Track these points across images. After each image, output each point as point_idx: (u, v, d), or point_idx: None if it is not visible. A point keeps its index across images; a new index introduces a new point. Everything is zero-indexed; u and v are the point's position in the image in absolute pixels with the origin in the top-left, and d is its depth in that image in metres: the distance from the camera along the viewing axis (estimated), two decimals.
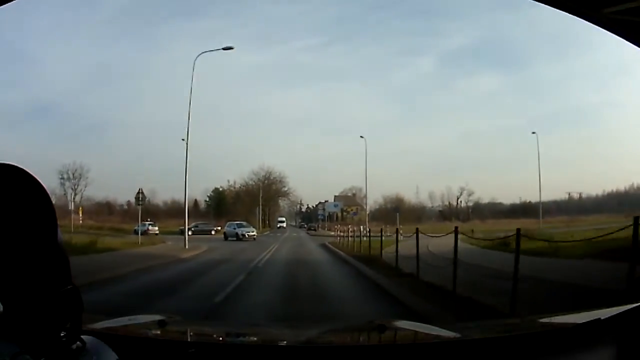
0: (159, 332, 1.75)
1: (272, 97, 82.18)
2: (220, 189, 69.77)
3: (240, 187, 69.73)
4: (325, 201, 48.28)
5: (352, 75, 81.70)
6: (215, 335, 2.01)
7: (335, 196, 71.83)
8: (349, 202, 75.95)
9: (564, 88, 73.88)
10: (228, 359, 1.36)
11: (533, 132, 44.98)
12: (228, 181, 70.39)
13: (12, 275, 0.78)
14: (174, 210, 57.89)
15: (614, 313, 1.59)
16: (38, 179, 0.83)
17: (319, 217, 47.02)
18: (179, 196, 68.54)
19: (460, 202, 74.15)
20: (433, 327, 2.02)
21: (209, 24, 77.10)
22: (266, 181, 71.44)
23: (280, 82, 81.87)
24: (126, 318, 2.05)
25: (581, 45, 73.79)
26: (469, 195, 71.47)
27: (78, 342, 0.93)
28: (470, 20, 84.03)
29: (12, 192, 0.79)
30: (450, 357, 1.46)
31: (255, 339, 1.96)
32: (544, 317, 2.33)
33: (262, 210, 65.88)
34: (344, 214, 73.78)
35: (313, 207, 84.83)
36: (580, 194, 65.20)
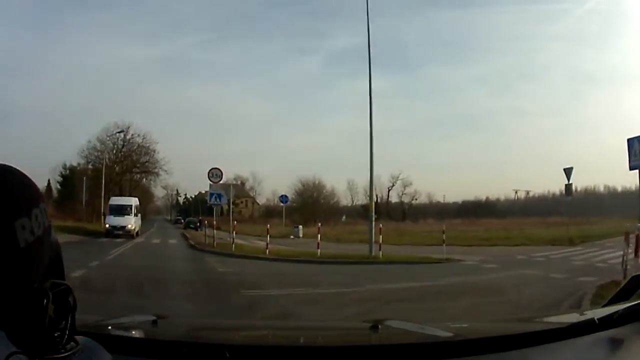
0: (153, 331, 1.89)
1: (159, 89, 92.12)
2: (78, 167, 54.52)
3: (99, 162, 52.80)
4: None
5: (240, 71, 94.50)
6: (209, 335, 2.17)
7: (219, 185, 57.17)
8: (238, 192, 70.54)
9: (462, 92, 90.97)
10: (222, 359, 1.42)
11: None
12: (87, 157, 54.58)
13: (6, 275, 0.83)
14: None
15: (609, 312, 1.70)
16: (30, 179, 0.91)
17: (217, 203, 25.74)
18: None
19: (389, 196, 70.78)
20: (427, 326, 2.07)
21: (104, 16, 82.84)
22: (123, 147, 55.37)
23: (169, 75, 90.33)
24: (120, 318, 2.17)
25: (482, 51, 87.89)
26: (405, 187, 69.48)
27: (72, 342, 1.00)
28: (362, 22, 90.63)
29: (4, 192, 0.84)
30: (445, 357, 1.55)
31: (249, 338, 2.11)
32: (540, 317, 2.54)
33: (108, 194, 47.10)
34: (233, 206, 62.80)
35: (192, 198, 79.46)
36: (527, 192, 71.90)
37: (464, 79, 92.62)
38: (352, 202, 69.99)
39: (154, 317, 1.97)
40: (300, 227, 32.62)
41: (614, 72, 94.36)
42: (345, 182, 69.40)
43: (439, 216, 53.06)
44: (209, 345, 1.59)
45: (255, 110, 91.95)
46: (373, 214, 21.12)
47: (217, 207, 26.62)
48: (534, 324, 2.18)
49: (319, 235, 20.41)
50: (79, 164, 52.83)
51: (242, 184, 70.89)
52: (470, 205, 68.88)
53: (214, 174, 24.97)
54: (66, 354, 0.96)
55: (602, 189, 68.25)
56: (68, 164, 52.87)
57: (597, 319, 1.65)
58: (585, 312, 2.04)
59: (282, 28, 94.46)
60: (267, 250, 20.23)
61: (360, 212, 57.17)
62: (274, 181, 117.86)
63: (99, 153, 51.61)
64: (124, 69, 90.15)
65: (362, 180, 61.08)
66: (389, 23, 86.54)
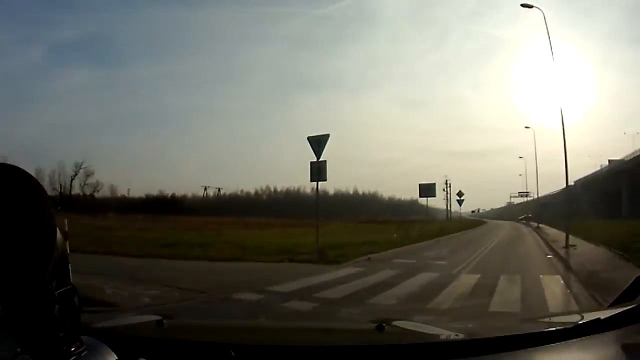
0: (158, 331, 1.92)
1: None
2: None
3: None
4: None
5: None
6: (214, 335, 2.15)
7: None
8: None
9: (159, 89, 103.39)
10: (227, 359, 1.45)
11: None
12: None
13: (11, 276, 0.85)
14: None
15: (614, 313, 1.74)
16: (37, 180, 0.90)
17: None
18: None
19: (73, 185, 68.43)
20: (432, 327, 2.13)
21: None
22: None
23: None
24: (125, 317, 2.26)
25: (193, 52, 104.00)
26: (88, 176, 66.82)
27: (77, 342, 1.02)
28: (86, 14, 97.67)
29: (10, 193, 0.86)
30: (451, 357, 1.59)
31: (254, 338, 2.12)
32: (544, 317, 2.63)
33: None
34: None
35: None
36: (219, 189, 79.62)
37: (165, 76, 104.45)
38: None
39: (160, 317, 2.02)
40: None
41: (327, 79, 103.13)
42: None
43: (121, 211, 52.41)
44: (215, 345, 1.63)
45: None
46: None
47: None
48: (539, 324, 2.22)
49: None
50: None
51: None
52: (154, 201, 69.40)
53: None
54: (71, 354, 0.97)
55: (309, 190, 72.18)
56: None
57: (603, 319, 1.68)
58: (590, 313, 1.99)
59: (8, 15, 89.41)
60: None
61: None
62: None
63: None
64: None
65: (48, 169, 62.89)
66: (109, 17, 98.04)
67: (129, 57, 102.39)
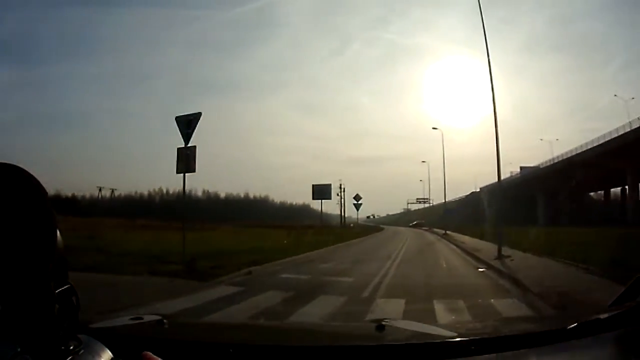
0: (157, 331, 1.91)
1: None
2: None
3: None
4: None
5: None
6: (214, 334, 2.23)
7: None
8: None
9: (63, 89, 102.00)
10: (227, 358, 1.51)
11: None
12: None
13: (11, 276, 0.86)
14: None
15: (614, 313, 1.74)
16: (37, 179, 0.92)
17: None
18: None
19: None
20: (432, 326, 2.10)
21: None
22: None
23: None
24: (125, 318, 2.16)
25: (98, 53, 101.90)
26: None
27: (75, 342, 1.02)
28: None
29: (11, 192, 0.87)
30: (450, 357, 1.59)
31: (254, 338, 2.16)
32: (546, 317, 2.82)
33: None
34: None
35: None
36: (112, 190, 79.59)
37: (69, 76, 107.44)
38: None
39: (159, 317, 2.01)
40: None
41: (228, 82, 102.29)
42: None
43: None
44: (215, 344, 1.67)
45: None
46: None
47: None
48: (540, 324, 2.25)
49: None
50: None
51: None
52: (51, 200, 65.54)
53: None
54: (69, 352, 0.97)
55: (200, 193, 75.38)
56: None
57: (603, 319, 1.68)
58: (590, 312, 1.96)
59: None
60: None
61: None
62: None
63: None
64: None
65: None
66: (24, 16, 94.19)
67: (32, 57, 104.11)
